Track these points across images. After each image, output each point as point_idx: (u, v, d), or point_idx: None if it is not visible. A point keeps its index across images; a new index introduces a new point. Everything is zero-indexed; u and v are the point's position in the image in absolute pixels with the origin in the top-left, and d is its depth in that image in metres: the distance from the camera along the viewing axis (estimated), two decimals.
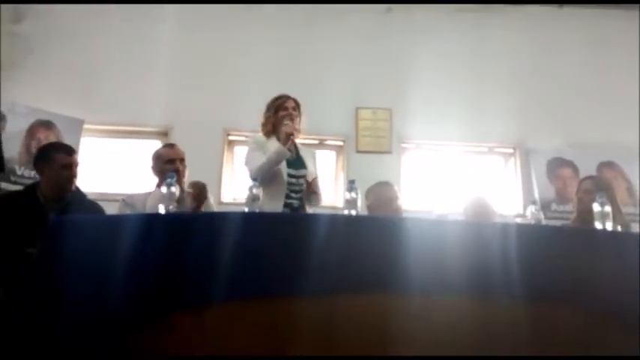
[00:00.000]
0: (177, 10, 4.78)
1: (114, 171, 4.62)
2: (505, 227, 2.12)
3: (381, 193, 3.20)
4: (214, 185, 4.38)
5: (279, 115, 3.07)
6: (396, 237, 1.97)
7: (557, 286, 1.93)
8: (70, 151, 2.93)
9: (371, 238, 1.98)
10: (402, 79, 4.83)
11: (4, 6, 4.52)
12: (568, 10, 5.16)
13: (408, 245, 1.93)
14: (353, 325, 1.85)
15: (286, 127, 2.99)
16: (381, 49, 4.96)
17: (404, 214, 3.14)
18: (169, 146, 3.29)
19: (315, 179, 3.06)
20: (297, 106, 3.15)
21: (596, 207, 2.40)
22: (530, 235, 2.12)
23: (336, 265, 1.90)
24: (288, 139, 2.96)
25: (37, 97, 4.29)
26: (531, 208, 2.68)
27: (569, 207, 4.34)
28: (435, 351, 1.80)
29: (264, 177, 2.82)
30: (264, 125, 3.14)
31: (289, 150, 3.01)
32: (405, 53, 4.93)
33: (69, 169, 2.86)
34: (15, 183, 3.92)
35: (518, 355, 1.84)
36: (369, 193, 3.21)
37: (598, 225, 2.35)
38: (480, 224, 2.51)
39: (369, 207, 3.15)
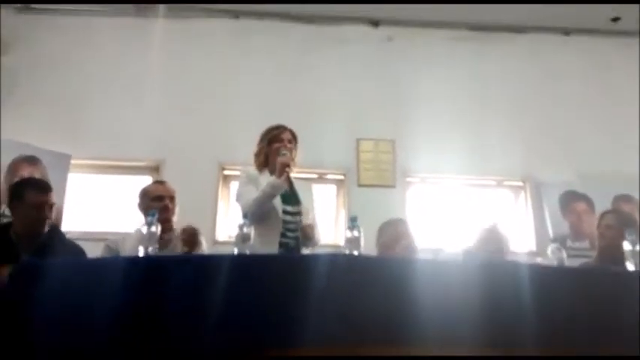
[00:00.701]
0: (168, 39, 4.64)
1: (102, 208, 4.38)
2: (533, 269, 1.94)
3: (396, 231, 2.97)
4: (209, 223, 4.16)
5: (274, 147, 2.86)
6: (404, 281, 1.77)
7: (589, 333, 1.76)
8: (43, 189, 2.71)
9: (376, 282, 1.76)
10: (405, 109, 4.65)
11: None
12: (573, 37, 5.01)
13: (417, 291, 1.73)
14: None
15: (283, 157, 2.76)
16: (382, 78, 4.78)
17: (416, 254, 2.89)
18: (158, 183, 3.14)
19: (309, 225, 2.75)
20: (293, 138, 2.94)
21: (626, 245, 2.23)
22: (563, 279, 1.95)
23: (337, 314, 1.69)
24: (283, 170, 2.72)
25: (21, 132, 4.07)
26: (552, 247, 2.45)
27: (586, 244, 4.10)
28: None
29: (258, 213, 2.59)
30: (256, 157, 2.93)
31: (287, 180, 2.78)
32: (407, 82, 4.76)
33: (40, 209, 2.65)
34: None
35: None
36: (382, 231, 2.99)
37: (630, 265, 2.16)
38: (499, 266, 2.28)
39: (382, 245, 2.92)
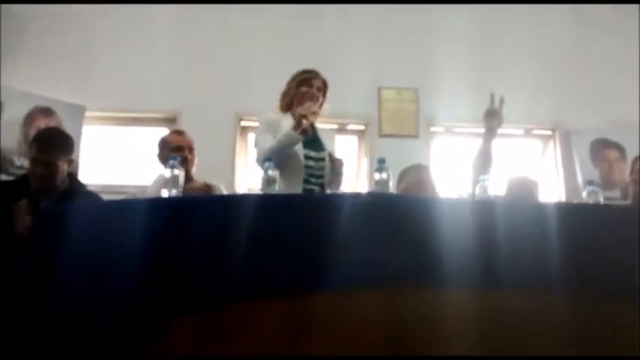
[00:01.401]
0: None
1: (119, 161, 4.31)
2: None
3: (417, 177, 2.84)
4: (227, 175, 4.07)
5: (301, 90, 2.74)
6: (433, 220, 1.67)
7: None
8: (41, 149, 2.59)
9: (404, 222, 1.67)
10: (429, 56, 4.45)
11: None
12: None
13: (447, 230, 1.64)
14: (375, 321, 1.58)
15: (301, 108, 2.64)
16: (405, 26, 4.57)
17: None
18: (177, 133, 3.09)
19: (339, 159, 2.65)
20: (323, 87, 2.82)
21: None
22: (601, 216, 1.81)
23: (364, 255, 1.61)
24: (300, 121, 2.59)
25: (35, 83, 3.99)
26: (588, 189, 2.32)
27: (617, 192, 3.96)
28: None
29: (276, 160, 2.48)
30: (282, 97, 2.82)
31: (305, 131, 2.65)
32: (431, 29, 4.56)
33: (36, 164, 2.58)
34: (13, 175, 3.62)
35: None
36: (402, 177, 2.86)
37: None
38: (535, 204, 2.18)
39: (402, 192, 2.79)
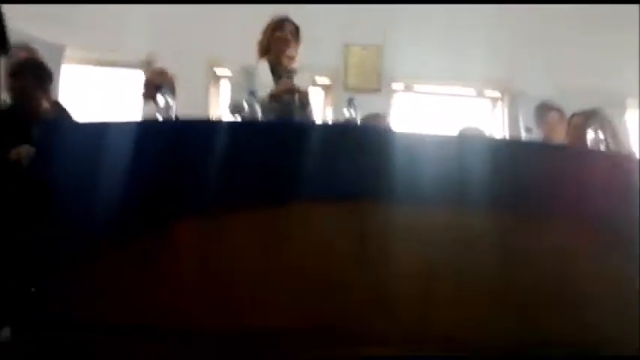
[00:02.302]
0: None
1: (97, 100, 4.47)
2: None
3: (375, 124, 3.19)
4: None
5: (276, 34, 2.98)
6: (385, 148, 1.96)
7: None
8: (13, 72, 2.74)
9: (365, 149, 1.95)
10: (393, 14, 4.71)
11: None
12: None
13: (395, 157, 1.93)
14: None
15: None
16: None
17: None
18: (159, 71, 3.27)
19: (305, 91, 2.91)
20: (296, 31, 3.05)
21: (590, 134, 2.41)
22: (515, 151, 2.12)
23: (330, 173, 1.89)
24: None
25: (15, 21, 4.06)
26: (525, 135, 2.69)
27: None
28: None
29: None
30: (259, 43, 3.04)
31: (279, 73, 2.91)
32: None
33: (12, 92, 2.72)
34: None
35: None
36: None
37: None
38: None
39: None
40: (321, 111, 4.73)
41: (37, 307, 1.81)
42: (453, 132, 3.53)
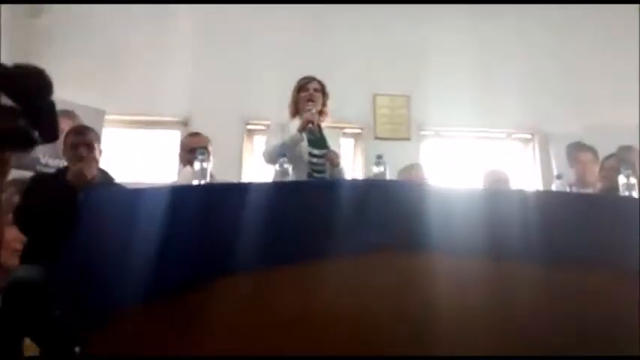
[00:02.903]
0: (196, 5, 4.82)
1: (136, 161, 4.65)
2: (524, 193, 2.16)
3: (412, 175, 3.25)
4: (235, 174, 4.42)
5: (301, 95, 3.12)
6: (419, 202, 1.98)
7: (579, 251, 1.93)
8: (78, 132, 2.92)
9: (396, 203, 1.98)
10: (419, 65, 4.87)
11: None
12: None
13: (430, 209, 1.94)
14: (380, 285, 1.86)
15: (307, 113, 3.02)
16: (397, 37, 4.98)
17: None
18: (192, 135, 3.34)
19: (335, 152, 3.04)
20: (321, 87, 3.18)
21: (621, 179, 2.42)
22: (551, 201, 2.14)
23: (365, 228, 1.90)
24: (306, 125, 2.98)
25: (58, 88, 4.30)
26: (557, 183, 2.71)
27: (590, 190, 4.33)
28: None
29: (276, 161, 2.81)
30: (289, 106, 3.18)
31: (311, 132, 3.04)
32: (421, 39, 4.97)
33: (76, 148, 2.84)
34: (39, 172, 3.96)
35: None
36: (399, 175, 3.27)
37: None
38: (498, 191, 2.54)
39: None
40: (352, 159, 4.82)
41: None
42: (479, 175, 3.59)
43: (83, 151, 2.85)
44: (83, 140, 2.88)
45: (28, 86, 1.24)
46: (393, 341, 1.81)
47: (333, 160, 2.96)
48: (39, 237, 2.62)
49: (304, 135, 2.98)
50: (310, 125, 2.98)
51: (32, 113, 1.26)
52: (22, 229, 2.70)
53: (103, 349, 1.85)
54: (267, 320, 1.84)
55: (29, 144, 1.29)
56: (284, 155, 2.39)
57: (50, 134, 1.35)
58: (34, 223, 2.64)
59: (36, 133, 1.28)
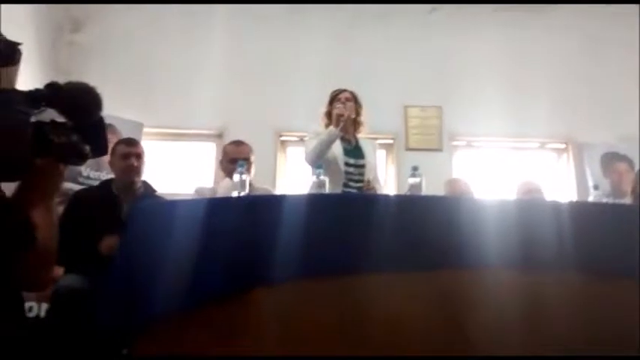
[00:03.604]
0: (230, 13, 4.91)
1: (172, 173, 4.75)
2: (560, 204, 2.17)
3: (457, 188, 3.29)
4: (268, 186, 4.47)
5: (334, 106, 3.16)
6: (459, 215, 2.01)
7: (612, 262, 1.94)
8: (129, 143, 3.06)
9: (435, 217, 2.01)
10: (451, 75, 4.89)
11: (62, 16, 4.77)
12: (614, 8, 5.10)
13: (470, 223, 1.96)
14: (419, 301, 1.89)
15: (337, 109, 3.07)
16: (427, 47, 5.02)
17: None
18: (236, 144, 3.31)
19: (372, 179, 3.08)
20: (352, 97, 3.23)
21: None
22: (586, 212, 2.14)
23: (404, 244, 1.94)
24: (338, 120, 3.02)
25: None
26: (594, 193, 2.70)
27: (627, 200, 4.29)
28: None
29: (318, 160, 2.87)
30: (323, 118, 3.21)
31: (346, 137, 3.09)
32: (452, 49, 4.99)
33: (127, 158, 2.96)
34: (81, 184, 4.09)
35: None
36: (445, 188, 3.32)
37: None
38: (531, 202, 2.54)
39: None
40: (384, 170, 4.85)
41: None
42: (513, 186, 3.59)
43: (134, 160, 2.97)
44: (135, 151, 3.00)
45: (80, 104, 1.31)
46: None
47: (370, 186, 2.98)
48: (82, 247, 2.71)
49: (339, 131, 3.02)
50: (342, 119, 3.02)
51: (84, 129, 1.33)
52: (66, 238, 2.80)
53: (147, 353, 1.91)
54: (302, 331, 1.87)
55: (82, 158, 1.36)
56: (321, 167, 2.43)
57: (101, 149, 1.43)
58: (80, 233, 2.75)
59: (87, 148, 1.35)
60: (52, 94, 1.29)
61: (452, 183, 3.46)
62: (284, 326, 1.89)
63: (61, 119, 1.33)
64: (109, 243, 2.66)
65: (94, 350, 2.13)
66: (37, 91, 1.27)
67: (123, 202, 2.93)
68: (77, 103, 1.36)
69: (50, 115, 1.29)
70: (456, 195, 3.21)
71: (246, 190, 2.38)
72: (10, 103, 1.20)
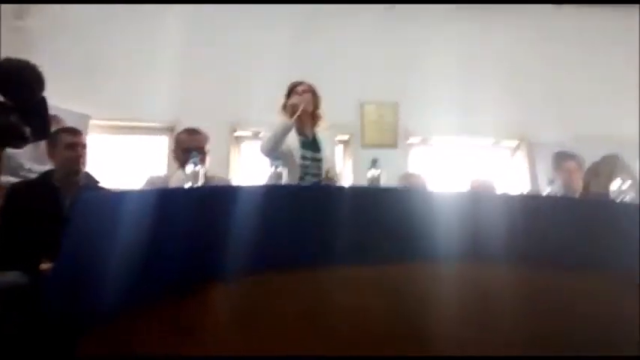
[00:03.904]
0: (183, 8, 4.79)
1: (121, 167, 4.58)
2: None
3: (411, 182, 3.27)
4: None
5: (290, 99, 3.09)
6: (416, 207, 1.98)
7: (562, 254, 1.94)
8: (74, 132, 2.93)
9: (393, 208, 1.97)
10: (407, 73, 4.88)
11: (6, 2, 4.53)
12: (567, 9, 5.22)
13: (426, 215, 1.94)
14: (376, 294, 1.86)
15: (292, 100, 3.02)
16: (385, 45, 5.01)
17: None
18: (189, 132, 3.19)
19: (330, 172, 3.03)
20: (310, 89, 3.17)
21: (615, 183, 2.42)
22: (537, 204, 2.15)
23: (360, 236, 1.89)
24: (292, 112, 2.96)
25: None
26: (548, 188, 2.72)
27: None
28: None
29: (272, 152, 2.82)
30: (282, 111, 3.12)
31: (303, 131, 3.04)
32: (409, 47, 4.99)
33: (73, 148, 2.83)
34: (24, 177, 3.88)
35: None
36: (399, 183, 3.30)
37: None
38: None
39: None
40: (341, 166, 4.81)
41: None
42: (466, 183, 3.61)
43: (80, 150, 2.83)
44: (80, 141, 2.87)
45: (21, 80, 1.21)
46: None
47: (330, 178, 2.94)
48: (20, 241, 2.58)
49: (293, 122, 2.96)
50: (297, 109, 2.97)
51: (23, 109, 1.23)
52: (5, 233, 2.65)
53: (95, 351, 1.81)
54: (261, 325, 1.82)
55: (22, 140, 1.26)
56: (278, 159, 2.36)
57: (42, 131, 1.32)
58: (18, 228, 2.61)
59: (28, 130, 1.25)
60: None
61: (407, 177, 3.44)
62: (241, 320, 1.82)
63: None
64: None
65: (43, 346, 2.01)
66: None
67: (65, 194, 2.78)
68: (17, 79, 1.25)
69: None
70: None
71: (200, 182, 2.28)
72: None
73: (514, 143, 5.02)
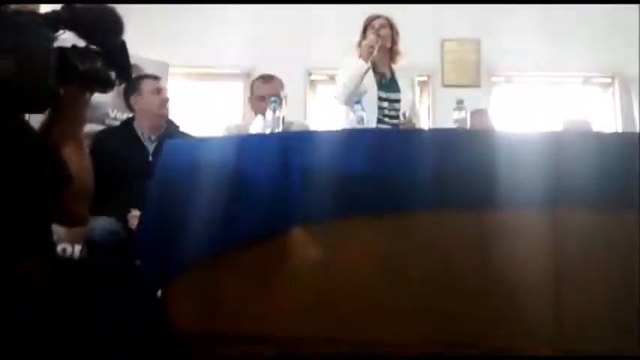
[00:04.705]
0: None
1: (198, 114, 4.65)
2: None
3: (477, 121, 3.09)
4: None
5: (367, 34, 2.96)
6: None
7: None
8: (156, 78, 2.98)
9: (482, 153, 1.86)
10: (490, 7, 4.57)
11: None
12: None
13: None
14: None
15: (368, 40, 2.87)
16: None
17: None
18: (265, 79, 3.15)
19: (409, 115, 2.89)
20: (387, 23, 3.01)
21: None
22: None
23: (449, 181, 1.82)
24: (369, 52, 2.82)
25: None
26: None
27: None
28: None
29: (348, 99, 2.72)
30: (357, 47, 2.99)
31: (379, 70, 2.91)
32: None
33: (158, 93, 2.88)
34: (108, 126, 4.00)
35: None
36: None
37: None
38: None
39: None
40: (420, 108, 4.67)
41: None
42: (557, 125, 3.39)
43: (164, 95, 2.92)
44: (165, 86, 2.99)
45: (103, 25, 1.19)
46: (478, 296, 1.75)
47: (407, 122, 2.80)
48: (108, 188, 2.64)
49: (369, 64, 2.83)
50: (371, 49, 2.82)
51: (107, 53, 1.22)
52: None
53: (180, 296, 1.85)
54: (344, 268, 1.80)
55: (108, 85, 1.25)
56: (359, 102, 2.29)
57: (126, 74, 1.31)
58: (106, 174, 2.67)
59: (113, 74, 1.24)
60: (72, 16, 1.17)
61: (474, 115, 3.21)
62: (323, 265, 1.81)
63: (81, 44, 1.21)
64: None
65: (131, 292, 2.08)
66: (54, 13, 1.15)
67: (148, 140, 2.84)
68: (99, 24, 1.23)
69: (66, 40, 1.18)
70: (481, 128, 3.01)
71: (280, 128, 2.25)
72: (28, 26, 1.09)
73: (607, 80, 4.68)
